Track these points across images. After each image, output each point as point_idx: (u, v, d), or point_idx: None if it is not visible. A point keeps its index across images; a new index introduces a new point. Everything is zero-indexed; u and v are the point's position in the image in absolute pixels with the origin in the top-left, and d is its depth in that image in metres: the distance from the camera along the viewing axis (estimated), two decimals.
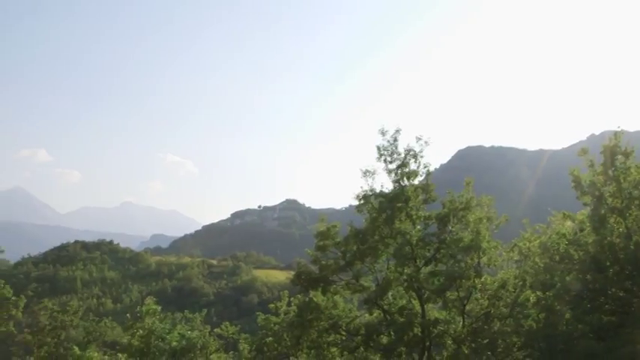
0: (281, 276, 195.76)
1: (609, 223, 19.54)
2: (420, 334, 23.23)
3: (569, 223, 22.01)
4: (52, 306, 44.11)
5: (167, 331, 29.62)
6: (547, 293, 20.97)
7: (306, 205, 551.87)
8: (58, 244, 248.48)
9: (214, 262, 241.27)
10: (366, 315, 26.22)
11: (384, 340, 24.02)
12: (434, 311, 24.62)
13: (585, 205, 20.66)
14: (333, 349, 25.99)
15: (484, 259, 23.39)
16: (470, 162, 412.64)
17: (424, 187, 24.67)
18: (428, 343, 23.47)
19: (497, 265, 23.91)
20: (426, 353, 23.69)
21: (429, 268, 24.11)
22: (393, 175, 24.57)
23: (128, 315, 31.48)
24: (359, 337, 24.83)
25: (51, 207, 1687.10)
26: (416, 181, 24.83)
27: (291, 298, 29.26)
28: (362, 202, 25.03)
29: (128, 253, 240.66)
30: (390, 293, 24.95)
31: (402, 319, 23.49)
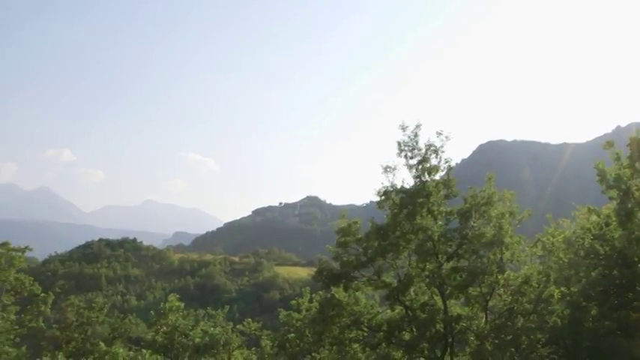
0: (302, 272, 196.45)
1: (636, 217, 19.15)
2: (442, 330, 23.10)
3: (594, 217, 21.63)
4: (78, 303, 44.94)
5: (190, 327, 30.00)
6: (572, 289, 20.69)
7: (327, 202, 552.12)
8: (83, 242, 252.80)
9: (236, 259, 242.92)
10: (388, 311, 26.17)
11: (406, 336, 23.95)
12: (456, 307, 24.44)
13: (611, 199, 20.29)
14: (355, 346, 26.01)
15: (507, 255, 23.15)
16: (491, 157, 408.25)
17: (445, 183, 24.48)
18: (450, 340, 23.32)
19: (520, 260, 23.64)
20: (449, 350, 23.54)
21: (451, 264, 23.96)
22: (413, 170, 24.45)
23: (152, 312, 31.96)
24: (381, 334, 24.79)
25: (75, 206, 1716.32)
26: (437, 177, 24.66)
27: (313, 295, 29.37)
28: (383, 198, 24.94)
29: (151, 251, 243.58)
30: (411, 289, 24.85)
31: (424, 316, 23.39)
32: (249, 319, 33.17)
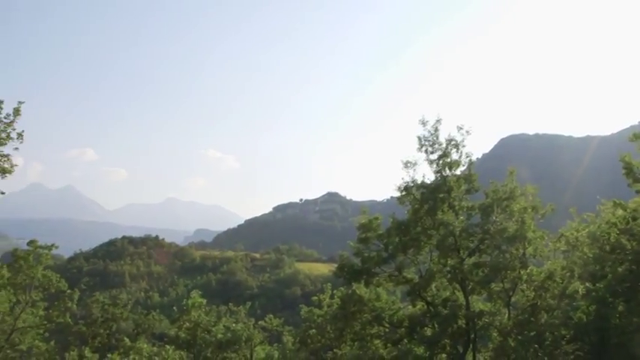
0: (323, 268, 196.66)
1: None
2: (464, 326, 22.96)
3: (620, 211, 21.22)
4: (103, 299, 45.73)
5: (213, 323, 30.26)
6: (597, 285, 20.33)
7: (347, 198, 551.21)
8: (106, 239, 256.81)
9: (257, 255, 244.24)
10: (410, 307, 26.10)
11: (428, 332, 23.85)
12: (478, 303, 24.29)
13: (638, 192, 19.91)
14: (377, 341, 25.99)
15: (530, 250, 22.89)
16: (513, 151, 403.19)
17: (466, 177, 24.31)
18: (473, 335, 23.17)
19: (543, 255, 23.35)
20: (471, 345, 23.39)
21: (472, 259, 23.79)
22: (434, 165, 24.33)
23: (175, 308, 32.31)
24: (402, 329, 24.75)
25: (99, 204, 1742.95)
26: (458, 171, 24.51)
27: (334, 291, 29.41)
28: (403, 193, 24.86)
29: (173, 248, 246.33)
30: (433, 285, 24.76)
31: (446, 311, 23.28)
32: (271, 316, 33.36)
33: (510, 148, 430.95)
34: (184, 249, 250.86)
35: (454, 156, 24.20)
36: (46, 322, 34.29)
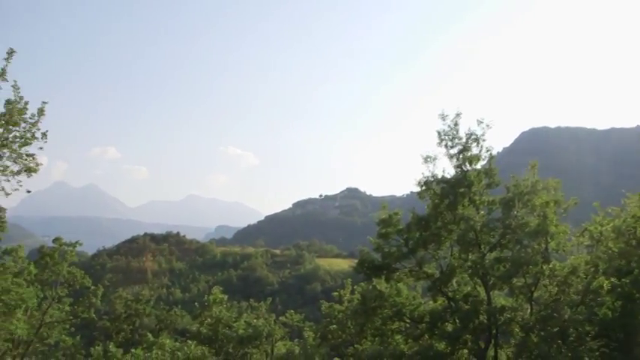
0: (344, 264, 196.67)
1: None
2: (485, 321, 22.76)
3: None
4: (126, 295, 46.47)
5: (234, 319, 30.53)
6: (623, 280, 19.98)
7: (367, 193, 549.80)
8: (129, 236, 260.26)
9: (278, 251, 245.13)
10: (430, 302, 26.00)
11: (449, 327, 23.72)
12: (500, 298, 24.05)
13: None
14: (397, 337, 25.96)
15: (552, 245, 22.58)
16: (534, 144, 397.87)
17: (487, 172, 24.08)
18: (494, 331, 22.97)
19: (566, 250, 23.02)
20: (493, 341, 23.20)
21: (494, 254, 23.57)
22: (454, 160, 24.14)
23: (196, 304, 32.69)
24: (423, 325, 24.66)
25: (121, 202, 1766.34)
26: (478, 166, 24.29)
27: (355, 286, 29.42)
28: (423, 188, 24.74)
29: (194, 245, 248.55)
30: (454, 280, 24.60)
31: (467, 307, 23.12)
32: (292, 311, 33.53)
33: (531, 142, 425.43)
34: (205, 245, 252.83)
35: (474, 150, 23.99)
36: (71, 318, 35.03)
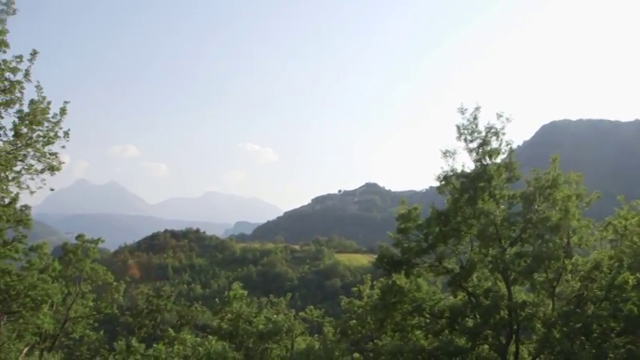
0: (363, 259, 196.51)
1: None
2: (506, 317, 22.56)
3: None
4: (147, 291, 47.03)
5: (254, 314, 30.68)
6: None
7: (386, 188, 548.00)
8: (149, 233, 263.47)
9: (297, 247, 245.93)
10: (451, 297, 25.85)
11: (470, 323, 23.55)
12: (521, 293, 23.81)
13: None
14: (417, 332, 25.88)
15: (574, 239, 22.30)
16: (555, 137, 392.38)
17: (507, 166, 23.83)
18: (515, 327, 22.74)
19: (589, 245, 22.71)
20: (514, 337, 22.97)
21: (514, 249, 23.35)
22: (474, 154, 23.94)
23: (217, 300, 32.90)
24: (443, 320, 24.54)
25: (141, 198, 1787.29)
26: (498, 160, 24.04)
27: (374, 282, 29.37)
28: (443, 182, 24.60)
29: (214, 241, 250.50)
30: (474, 275, 24.45)
31: (487, 302, 22.93)
32: (311, 307, 33.56)
33: (552, 135, 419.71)
34: (225, 242, 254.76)
35: (494, 144, 23.75)
36: (95, 313, 35.63)
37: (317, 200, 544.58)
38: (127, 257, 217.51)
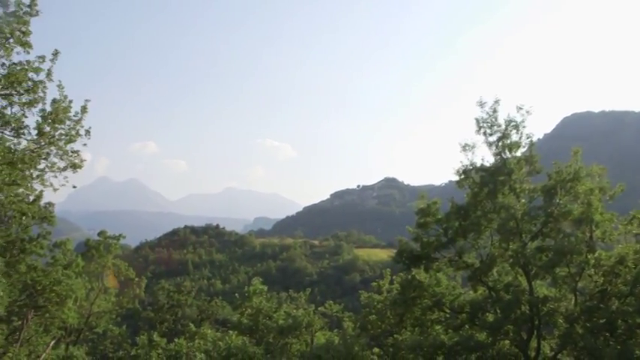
0: (382, 254, 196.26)
1: None
2: (528, 312, 22.35)
3: None
4: (168, 287, 47.63)
5: (274, 309, 30.84)
6: None
7: (405, 183, 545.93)
8: (170, 229, 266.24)
9: (316, 242, 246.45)
10: (471, 292, 25.69)
11: (490, 317, 23.39)
12: (543, 288, 23.56)
13: None
14: (437, 327, 25.79)
15: (597, 233, 21.93)
16: (577, 130, 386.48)
17: (527, 159, 23.55)
18: (537, 322, 22.51)
19: (613, 239, 22.30)
20: (535, 332, 22.75)
21: (535, 243, 23.08)
22: (493, 147, 23.71)
23: (237, 295, 33.15)
24: (463, 315, 24.41)
25: (162, 195, 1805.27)
26: (518, 153, 23.77)
27: (394, 276, 29.31)
28: (462, 177, 24.43)
29: (234, 236, 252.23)
30: (494, 270, 24.25)
31: (508, 297, 22.75)
32: (331, 302, 33.62)
33: (574, 127, 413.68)
34: (244, 237, 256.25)
35: (514, 137, 23.49)
36: (117, 308, 36.21)
37: (336, 195, 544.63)
38: (148, 253, 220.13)
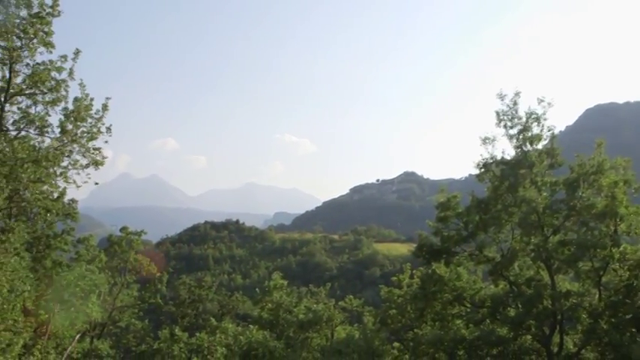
0: (402, 249, 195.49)
1: None
2: (550, 306, 22.06)
3: None
4: (189, 282, 48.12)
5: (294, 304, 31.01)
6: None
7: (425, 177, 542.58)
8: (190, 225, 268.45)
9: (336, 237, 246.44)
10: (492, 287, 25.50)
11: (512, 312, 23.20)
12: (565, 282, 23.27)
13: None
14: (458, 322, 25.67)
15: (622, 227, 21.56)
16: (600, 121, 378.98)
17: (549, 152, 23.25)
18: (559, 317, 22.25)
19: (638, 232, 21.90)
20: (558, 327, 22.50)
21: (557, 237, 22.78)
22: (514, 140, 23.48)
23: (257, 289, 33.38)
24: (484, 310, 24.25)
25: (182, 191, 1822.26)
26: (539, 146, 23.48)
27: (414, 271, 29.23)
28: (482, 170, 24.23)
29: (253, 232, 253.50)
30: (516, 264, 24.02)
31: (530, 291, 22.53)
32: (351, 296, 33.70)
33: (597, 119, 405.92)
34: (264, 232, 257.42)
35: (535, 130, 23.22)
36: (140, 303, 36.75)
37: (355, 190, 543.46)
38: (169, 249, 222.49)
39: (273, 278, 32.29)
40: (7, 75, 16.08)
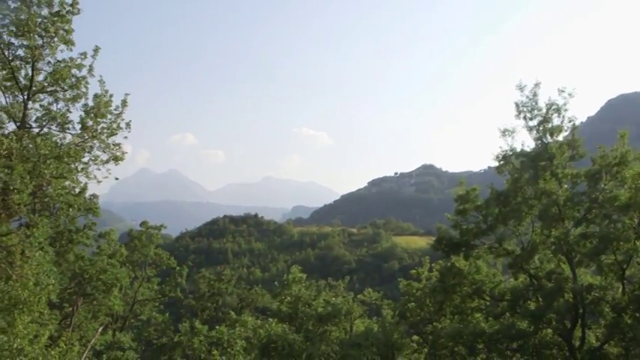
0: (421, 242, 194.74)
1: None
2: (571, 300, 21.84)
3: None
4: (209, 275, 48.60)
5: (313, 297, 31.08)
6: None
7: (443, 170, 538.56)
8: (209, 219, 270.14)
9: (354, 230, 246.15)
10: (511, 280, 25.30)
11: (532, 306, 22.97)
12: (587, 276, 22.94)
13: None
14: (477, 315, 25.52)
15: None
16: (623, 112, 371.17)
17: (570, 143, 22.92)
18: (581, 311, 21.97)
19: None
20: (580, 321, 22.21)
21: (579, 230, 22.47)
22: (534, 132, 23.21)
23: (276, 283, 33.56)
24: (504, 303, 24.05)
25: (201, 185, 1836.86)
26: (560, 137, 23.17)
27: (433, 264, 29.13)
28: (502, 162, 24.01)
29: (272, 225, 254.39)
30: (536, 257, 23.78)
31: (550, 285, 22.28)
32: (370, 289, 33.69)
33: (620, 110, 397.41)
34: (283, 226, 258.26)
35: (555, 121, 22.94)
36: (160, 296, 37.22)
37: (373, 183, 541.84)
38: (189, 243, 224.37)
39: (291, 272, 32.38)
40: (30, 73, 16.34)
